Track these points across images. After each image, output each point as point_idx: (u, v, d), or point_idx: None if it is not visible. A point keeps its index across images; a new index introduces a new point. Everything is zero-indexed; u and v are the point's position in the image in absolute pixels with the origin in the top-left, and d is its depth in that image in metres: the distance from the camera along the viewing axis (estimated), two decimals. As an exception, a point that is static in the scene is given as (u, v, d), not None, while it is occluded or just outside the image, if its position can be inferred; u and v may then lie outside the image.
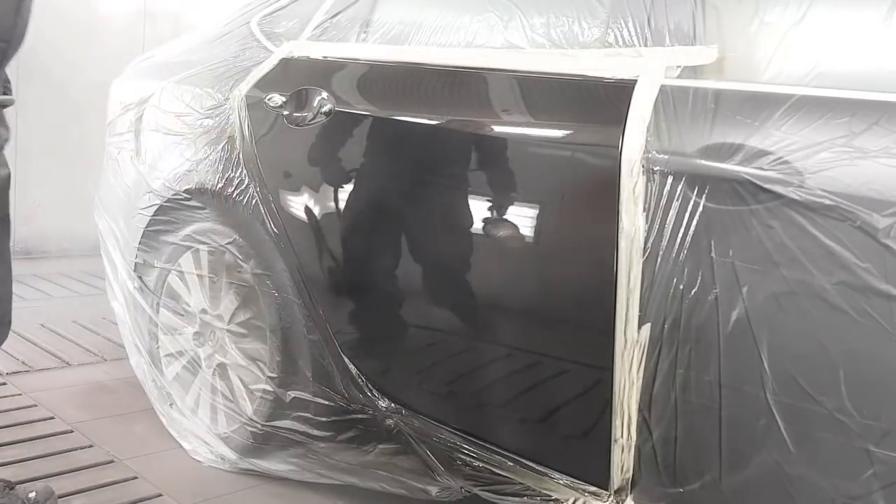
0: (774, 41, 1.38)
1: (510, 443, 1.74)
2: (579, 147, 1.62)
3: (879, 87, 1.27)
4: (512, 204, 1.70)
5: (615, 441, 1.51)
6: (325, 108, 1.99)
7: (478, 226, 1.74)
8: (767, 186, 1.29)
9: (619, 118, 1.48)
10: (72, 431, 2.42)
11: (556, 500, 1.66)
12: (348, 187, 1.99)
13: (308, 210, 2.02)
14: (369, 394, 1.95)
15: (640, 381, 1.45)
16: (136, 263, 2.45)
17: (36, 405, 2.56)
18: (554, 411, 1.66)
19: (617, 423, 1.49)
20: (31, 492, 1.88)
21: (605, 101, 1.55)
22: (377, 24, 2.05)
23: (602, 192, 1.48)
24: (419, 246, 1.87)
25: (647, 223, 1.42)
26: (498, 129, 1.76)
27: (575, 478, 1.63)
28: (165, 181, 2.33)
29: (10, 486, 1.89)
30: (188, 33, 2.71)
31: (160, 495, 2.09)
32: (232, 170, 2.14)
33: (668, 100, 1.44)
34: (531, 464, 1.70)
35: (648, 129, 1.44)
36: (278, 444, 2.13)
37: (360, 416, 1.97)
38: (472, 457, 1.79)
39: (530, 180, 1.67)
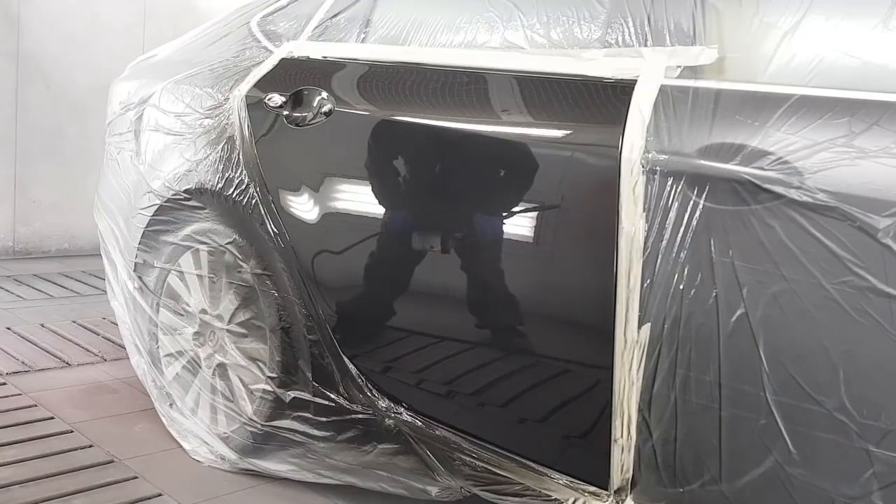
0: (774, 41, 1.38)
1: (510, 443, 1.74)
2: (579, 147, 1.62)
3: (879, 87, 1.27)
4: (512, 204, 1.70)
5: (615, 441, 1.51)
6: (325, 108, 1.99)
7: (478, 226, 1.74)
8: (767, 186, 1.29)
9: (619, 118, 1.48)
10: (72, 431, 2.41)
11: (556, 500, 1.66)
12: (348, 187, 2.00)
13: (308, 210, 2.02)
14: (369, 394, 1.95)
15: (640, 381, 1.45)
16: (136, 263, 2.45)
17: (36, 405, 2.56)
18: (554, 411, 1.66)
19: (617, 423, 1.49)
20: None
21: (605, 101, 1.55)
22: (377, 24, 2.05)
23: (602, 192, 1.48)
24: (419, 246, 1.88)
25: (647, 223, 1.42)
26: (498, 129, 1.76)
27: (575, 478, 1.63)
28: (165, 181, 2.33)
29: None
30: (188, 33, 2.71)
31: (160, 495, 2.09)
32: (232, 170, 2.14)
33: (668, 100, 1.44)
34: (531, 464, 1.70)
35: (648, 129, 1.44)
36: (278, 444, 2.13)
37: (360, 416, 1.97)
38: (472, 457, 1.79)
39: (530, 180, 1.67)
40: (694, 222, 1.37)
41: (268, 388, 2.12)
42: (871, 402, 1.22)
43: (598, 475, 1.57)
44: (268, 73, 2.16)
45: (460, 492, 1.87)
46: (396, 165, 1.93)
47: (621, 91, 1.50)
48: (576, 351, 1.63)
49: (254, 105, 2.13)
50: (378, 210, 1.93)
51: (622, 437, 1.49)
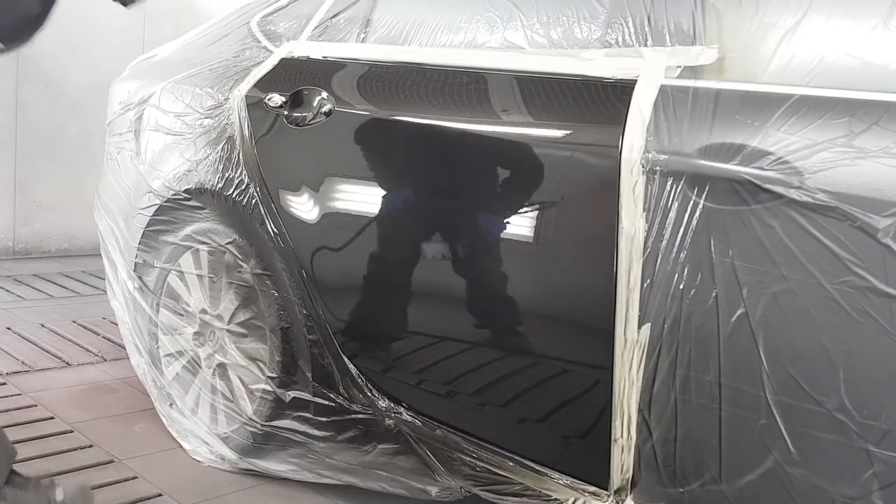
0: (774, 41, 1.38)
1: (510, 443, 1.74)
2: (579, 147, 1.62)
3: (879, 87, 1.27)
4: (512, 204, 1.70)
5: (615, 441, 1.51)
6: (325, 108, 1.99)
7: (478, 226, 1.74)
8: (767, 186, 1.29)
9: (619, 118, 1.48)
10: (72, 431, 2.41)
11: (556, 500, 1.66)
12: (348, 187, 2.00)
13: (308, 210, 2.02)
14: (369, 394, 1.95)
15: (640, 381, 1.45)
16: (136, 263, 2.45)
17: (36, 405, 2.56)
18: (554, 411, 1.66)
19: (617, 423, 1.49)
20: (59, 491, 1.81)
21: (605, 101, 1.55)
22: (377, 24, 2.05)
23: (602, 192, 1.48)
24: (419, 246, 1.87)
25: (647, 223, 1.42)
26: (498, 129, 1.76)
27: (575, 478, 1.63)
28: (165, 181, 2.33)
29: (50, 484, 1.83)
30: (188, 33, 2.71)
31: (160, 495, 2.09)
32: (232, 170, 2.14)
33: (668, 100, 1.44)
34: (531, 464, 1.70)
35: (648, 129, 1.44)
36: (278, 444, 2.13)
37: (360, 416, 1.97)
38: (472, 457, 1.79)
39: (530, 180, 1.67)
40: (694, 222, 1.37)
41: (268, 388, 2.12)
42: (871, 402, 1.22)
43: (598, 475, 1.57)
44: (268, 73, 2.16)
45: (460, 492, 1.87)
46: (396, 165, 1.93)
47: (621, 91, 1.50)
48: (576, 351, 1.63)
49: (254, 105, 2.13)
50: (378, 210, 1.93)
51: (622, 437, 1.49)
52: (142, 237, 2.42)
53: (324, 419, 2.02)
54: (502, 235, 1.70)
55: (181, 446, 2.35)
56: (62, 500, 1.77)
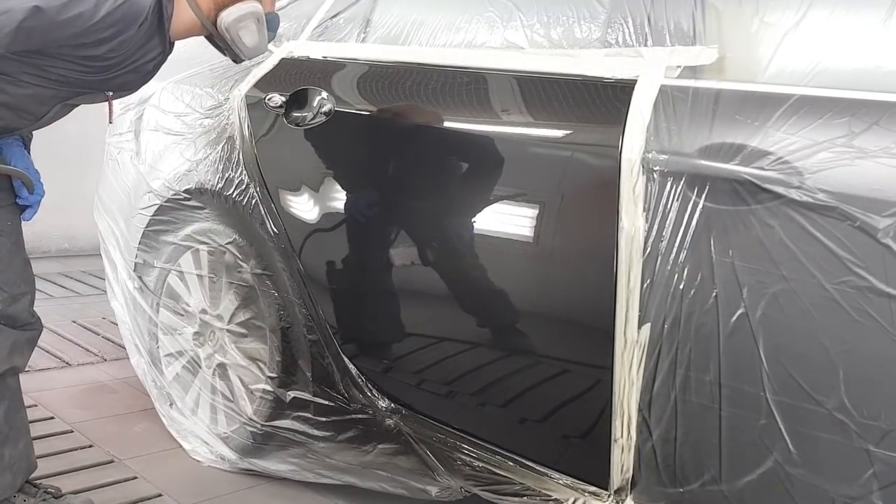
0: (774, 41, 1.38)
1: (510, 443, 1.74)
2: (579, 147, 1.62)
3: (879, 87, 1.27)
4: (512, 204, 1.70)
5: (615, 441, 1.51)
6: (325, 108, 1.99)
7: (478, 226, 1.74)
8: (767, 186, 1.29)
9: (619, 118, 1.48)
10: (72, 431, 2.41)
11: (556, 500, 1.66)
12: (348, 187, 2.00)
13: (308, 210, 2.02)
14: (369, 394, 1.95)
15: (640, 381, 1.45)
16: (136, 263, 2.45)
17: (36, 405, 2.56)
18: (554, 411, 1.66)
19: (617, 423, 1.49)
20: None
21: (605, 101, 1.55)
22: (377, 24, 2.05)
23: (602, 192, 1.48)
24: (419, 246, 1.87)
25: (647, 223, 1.42)
26: (498, 129, 1.76)
27: (575, 478, 1.63)
28: (165, 181, 2.33)
29: (58, 494, 1.91)
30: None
31: (160, 495, 2.09)
32: (232, 170, 2.14)
33: (668, 100, 1.44)
34: (531, 464, 1.70)
35: (648, 129, 1.44)
36: (278, 444, 2.13)
37: (360, 416, 1.97)
38: (472, 457, 1.79)
39: (530, 180, 1.67)
40: (694, 222, 1.37)
41: (268, 388, 2.12)
42: (871, 402, 1.22)
43: (598, 475, 1.57)
44: (268, 73, 2.16)
45: (460, 492, 1.87)
46: (395, 165, 1.93)
47: (621, 91, 1.50)
48: (576, 351, 1.63)
49: (254, 105, 2.13)
50: (378, 210, 1.93)
51: (622, 437, 1.49)
52: (142, 237, 2.42)
53: (324, 419, 2.02)
54: (503, 236, 1.70)
55: (181, 446, 2.35)
56: None
